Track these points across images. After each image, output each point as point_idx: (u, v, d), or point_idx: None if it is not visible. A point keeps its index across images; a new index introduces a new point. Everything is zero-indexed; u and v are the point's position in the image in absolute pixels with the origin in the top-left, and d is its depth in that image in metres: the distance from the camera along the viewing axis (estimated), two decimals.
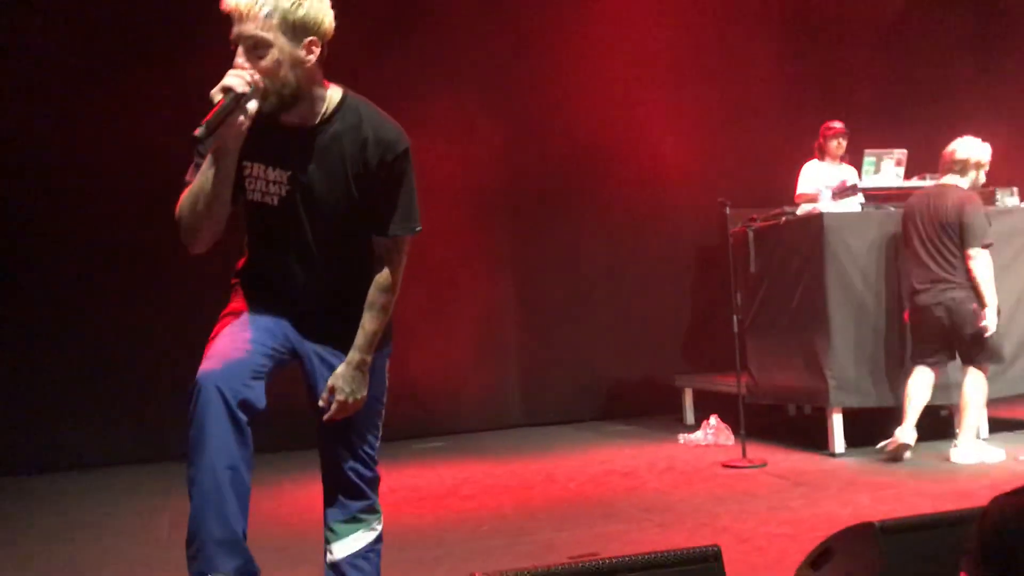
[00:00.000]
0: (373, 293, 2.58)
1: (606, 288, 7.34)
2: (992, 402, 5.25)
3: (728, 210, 5.40)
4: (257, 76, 2.33)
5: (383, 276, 2.59)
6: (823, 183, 6.28)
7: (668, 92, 7.41)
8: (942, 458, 4.94)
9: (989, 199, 5.60)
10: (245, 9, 2.33)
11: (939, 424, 5.59)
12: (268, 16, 2.33)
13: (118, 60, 6.25)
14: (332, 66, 2.47)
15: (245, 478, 2.37)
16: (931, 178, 5.66)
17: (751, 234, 5.81)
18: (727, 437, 5.77)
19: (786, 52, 7.68)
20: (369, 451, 2.68)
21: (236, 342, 2.46)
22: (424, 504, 4.58)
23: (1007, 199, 5.63)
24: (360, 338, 2.55)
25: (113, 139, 6.24)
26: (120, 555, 4.01)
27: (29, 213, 6.20)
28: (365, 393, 2.56)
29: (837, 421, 5.23)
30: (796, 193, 6.39)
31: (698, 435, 5.89)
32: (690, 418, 6.72)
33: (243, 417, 2.36)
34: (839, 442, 5.21)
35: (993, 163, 5.19)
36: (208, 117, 2.24)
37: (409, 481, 5.12)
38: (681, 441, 5.92)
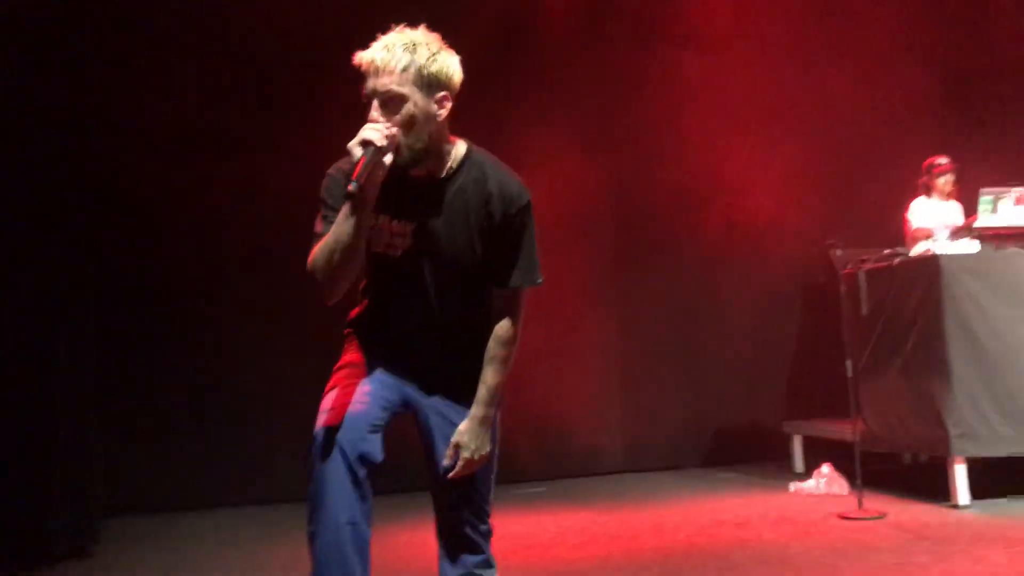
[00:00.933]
0: (494, 347, 2.57)
1: (711, 331, 7.21)
2: None
3: (839, 251, 5.27)
4: (394, 130, 2.35)
5: (504, 329, 2.58)
6: (937, 221, 6.11)
7: (768, 134, 7.30)
8: None
9: None
10: (382, 64, 2.36)
11: None
12: (404, 71, 2.36)
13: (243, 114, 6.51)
14: None
15: (366, 533, 2.37)
16: None
17: (862, 275, 5.65)
18: (841, 486, 5.56)
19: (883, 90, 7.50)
20: (485, 506, 2.66)
21: (354, 395, 2.47)
22: (531, 553, 4.52)
23: None
24: (482, 392, 2.54)
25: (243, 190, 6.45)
26: None
27: (148, 253, 6.43)
28: (488, 448, 2.54)
29: (960, 471, 4.99)
30: (912, 229, 6.18)
31: (810, 484, 5.69)
32: (799, 466, 6.51)
33: (362, 472, 2.36)
34: (963, 493, 4.96)
35: None
36: (356, 172, 2.27)
37: (514, 528, 5.05)
38: (792, 490, 5.73)
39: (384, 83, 2.37)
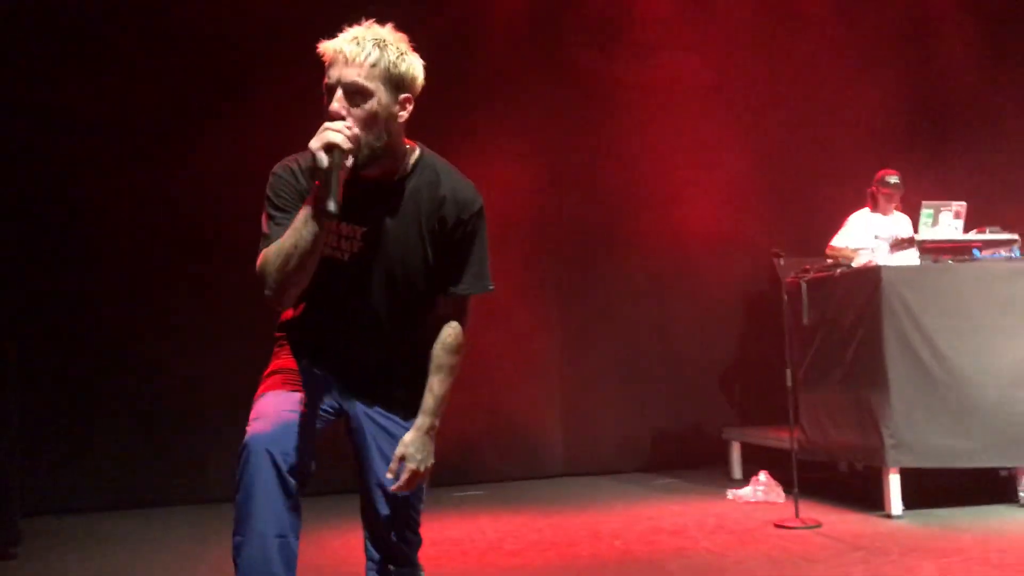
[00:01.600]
0: (442, 355, 2.49)
1: (652, 338, 7.22)
2: None
3: (781, 261, 5.28)
4: (356, 129, 2.25)
5: (452, 336, 2.51)
6: (874, 235, 6.17)
7: (713, 145, 7.33)
8: (1005, 523, 4.73)
9: None
10: (351, 55, 2.27)
11: (999, 485, 5.39)
12: (373, 66, 2.28)
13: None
14: None
15: (294, 546, 2.28)
16: (991, 231, 5.52)
17: (804, 285, 5.68)
18: (777, 494, 5.59)
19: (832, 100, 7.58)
20: (416, 516, 2.58)
21: (287, 403, 2.37)
22: (467, 559, 4.45)
23: None
24: (429, 402, 2.46)
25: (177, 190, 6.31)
26: None
27: (84, 250, 6.25)
28: (432, 460, 2.45)
29: (894, 481, 5.03)
30: (832, 243, 6.21)
31: (747, 491, 5.71)
32: (737, 472, 6.54)
33: (293, 483, 2.26)
34: (896, 504, 5.01)
35: None
36: (326, 186, 2.17)
37: (450, 533, 4.99)
38: (730, 497, 5.75)
39: (350, 75, 2.27)
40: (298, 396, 2.39)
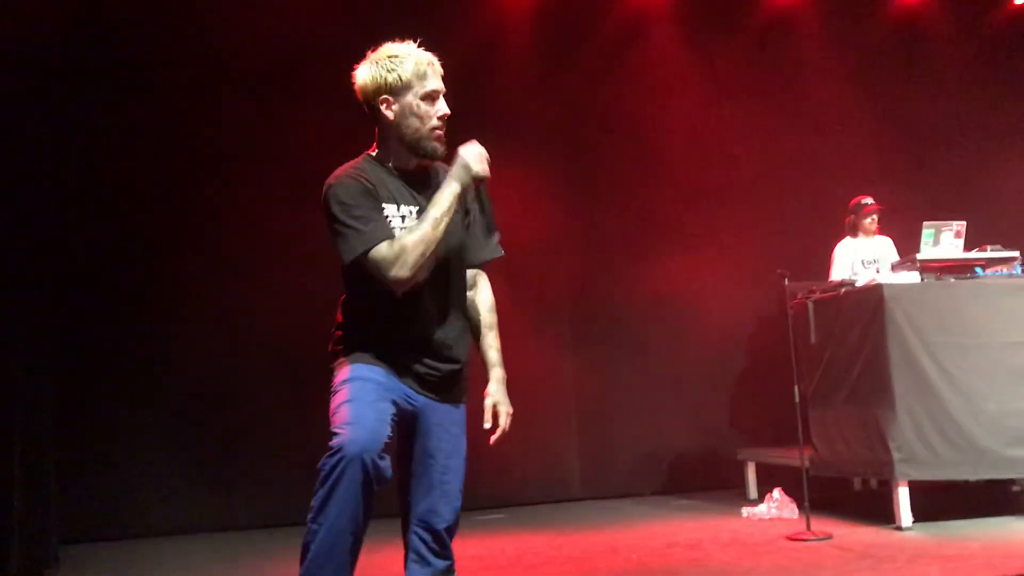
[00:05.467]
0: (488, 315, 2.87)
1: (666, 362, 7.38)
2: None
3: (787, 281, 5.45)
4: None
5: (489, 296, 2.92)
6: (860, 259, 6.43)
7: (716, 166, 7.59)
8: (1013, 533, 4.84)
9: None
10: (439, 66, 2.77)
11: (1009, 499, 5.49)
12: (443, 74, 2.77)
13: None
14: None
15: (359, 547, 2.53)
16: (992, 249, 5.67)
17: (811, 305, 5.84)
18: (791, 511, 5.71)
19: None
20: (458, 503, 2.81)
21: (374, 410, 2.56)
22: (487, 573, 4.61)
23: None
24: (495, 356, 2.84)
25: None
26: None
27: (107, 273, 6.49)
28: (512, 408, 2.80)
29: (903, 494, 5.15)
30: (830, 276, 6.43)
31: (761, 508, 5.84)
32: (753, 492, 6.65)
33: (377, 488, 2.48)
34: (905, 515, 5.12)
35: None
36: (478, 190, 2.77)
37: (471, 551, 5.14)
38: (744, 515, 5.87)
39: (441, 84, 2.75)
40: (381, 406, 2.59)
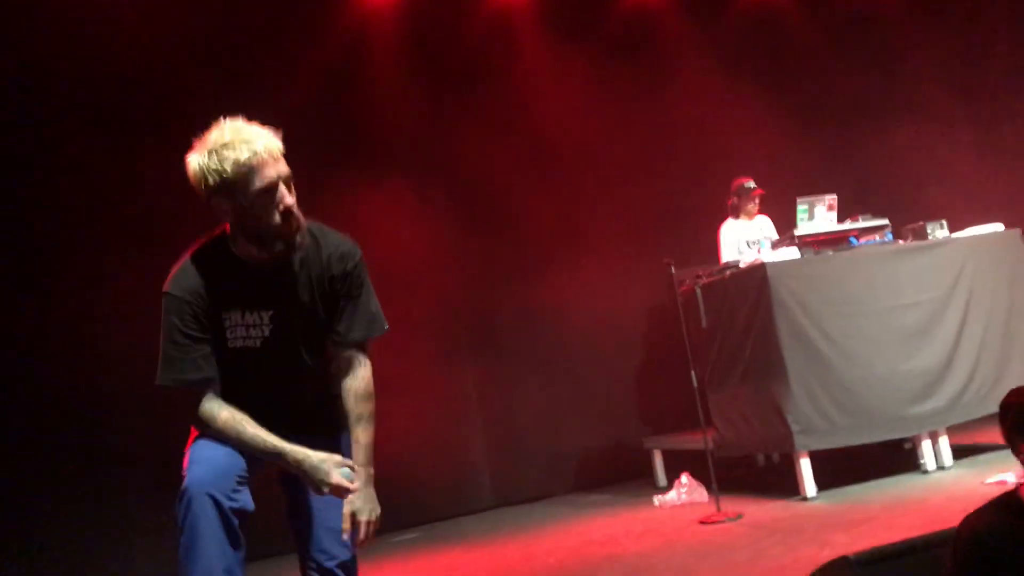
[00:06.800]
0: (357, 405, 2.61)
1: (565, 363, 7.36)
2: (951, 429, 5.37)
3: (673, 269, 5.51)
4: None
5: (363, 384, 2.63)
6: (744, 240, 6.58)
7: (595, 167, 7.64)
8: (910, 490, 5.01)
9: (920, 233, 5.80)
10: (275, 150, 2.43)
11: (903, 457, 5.69)
12: (282, 153, 2.46)
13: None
14: None
15: None
16: (863, 219, 5.85)
17: (699, 290, 5.92)
18: (701, 494, 5.77)
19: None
20: (353, 563, 2.67)
21: (220, 449, 2.47)
22: None
23: (937, 232, 5.82)
24: (360, 455, 2.57)
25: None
26: None
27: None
28: (379, 509, 2.55)
29: (805, 465, 5.27)
30: (720, 258, 6.57)
31: (672, 495, 5.89)
32: (662, 479, 6.71)
33: (235, 521, 2.38)
34: (810, 486, 5.24)
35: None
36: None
37: None
38: (656, 503, 5.91)
39: (283, 168, 2.44)
40: (232, 449, 2.48)
